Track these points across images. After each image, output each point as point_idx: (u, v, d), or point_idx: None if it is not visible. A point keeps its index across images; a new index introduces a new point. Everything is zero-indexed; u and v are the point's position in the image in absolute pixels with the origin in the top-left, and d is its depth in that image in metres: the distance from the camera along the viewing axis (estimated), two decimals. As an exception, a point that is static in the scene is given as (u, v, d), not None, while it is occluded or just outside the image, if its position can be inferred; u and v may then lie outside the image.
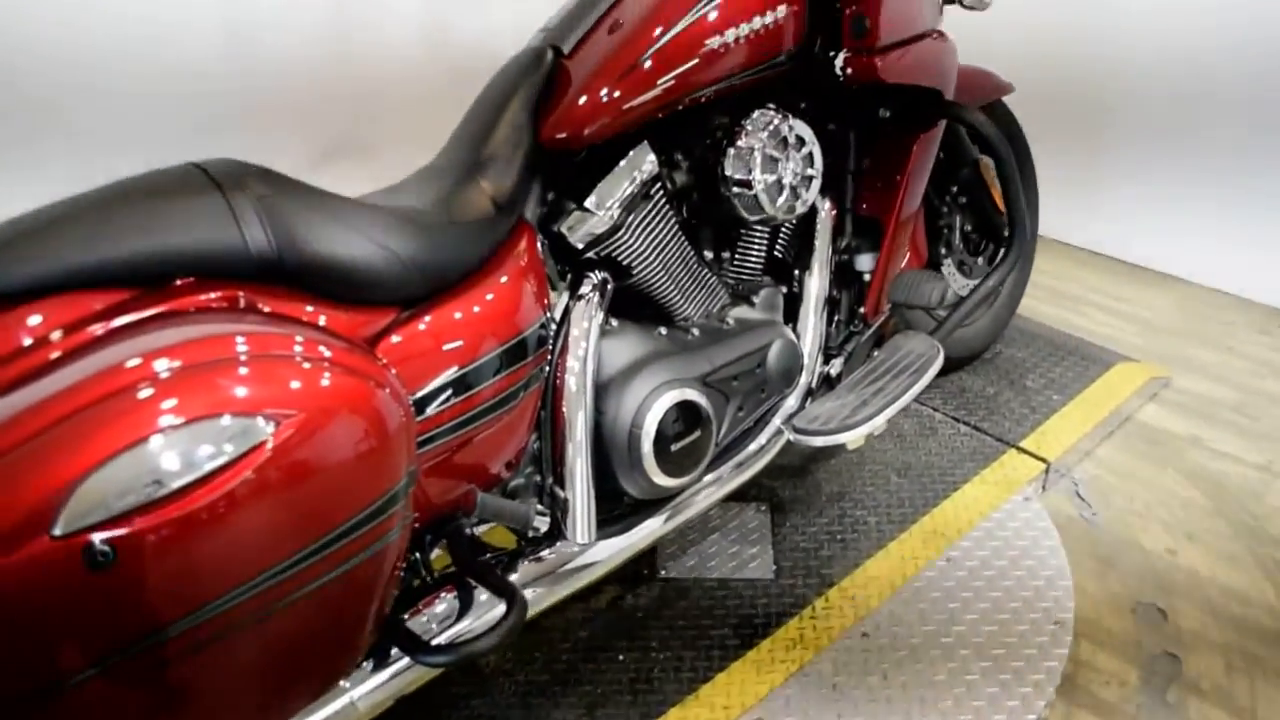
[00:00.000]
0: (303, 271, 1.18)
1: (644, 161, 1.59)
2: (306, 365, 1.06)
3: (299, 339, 1.08)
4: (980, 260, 2.35)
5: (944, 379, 2.47)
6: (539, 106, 1.54)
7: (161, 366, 0.98)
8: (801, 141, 1.65)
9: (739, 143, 1.59)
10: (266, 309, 1.16)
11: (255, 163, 1.22)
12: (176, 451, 0.95)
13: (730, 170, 1.60)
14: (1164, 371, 2.55)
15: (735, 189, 1.60)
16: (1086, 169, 3.13)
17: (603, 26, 1.61)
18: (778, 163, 1.61)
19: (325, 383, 1.06)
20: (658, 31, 1.56)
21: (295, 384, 1.04)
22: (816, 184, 1.69)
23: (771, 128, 1.61)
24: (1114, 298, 2.97)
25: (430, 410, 1.32)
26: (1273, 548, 2.00)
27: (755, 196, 1.59)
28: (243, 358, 1.03)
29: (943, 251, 2.26)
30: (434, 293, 1.34)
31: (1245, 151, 2.82)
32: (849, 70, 1.72)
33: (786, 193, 1.63)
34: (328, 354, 1.09)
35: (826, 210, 1.87)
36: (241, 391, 1.01)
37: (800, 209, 1.68)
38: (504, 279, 1.42)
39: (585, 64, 1.57)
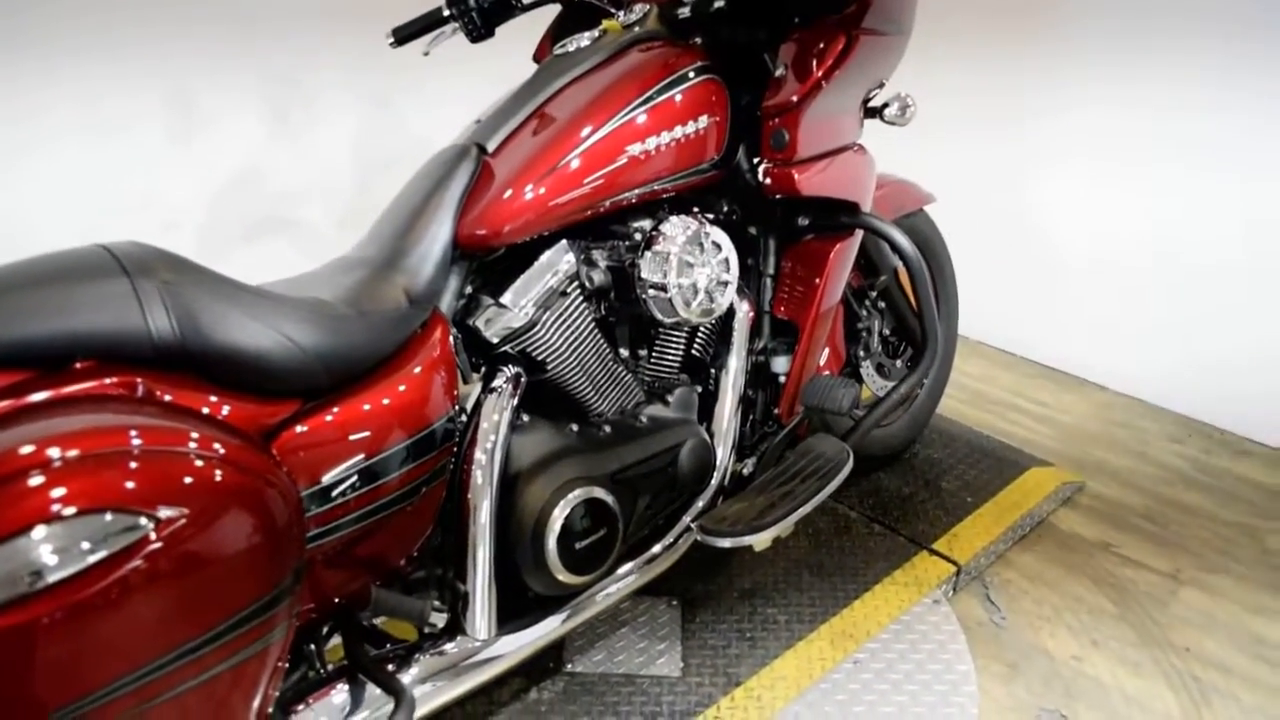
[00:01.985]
0: (204, 359, 1.19)
1: (562, 260, 1.63)
2: (198, 463, 1.06)
3: (193, 434, 1.08)
4: (899, 363, 2.40)
5: (861, 477, 2.50)
6: (460, 203, 1.57)
7: (53, 455, 0.97)
8: (718, 247, 1.69)
9: (656, 246, 1.63)
10: (165, 397, 1.16)
11: (163, 248, 1.23)
12: (59, 544, 0.94)
13: (646, 273, 1.63)
14: (1077, 477, 2.61)
15: (651, 291, 1.64)
16: (1010, 273, 3.22)
17: (528, 126, 1.65)
18: (693, 267, 1.65)
19: (215, 480, 1.06)
20: (583, 134, 1.60)
21: (185, 481, 1.04)
22: (731, 289, 1.73)
23: (689, 233, 1.65)
24: (1032, 401, 3.04)
25: (331, 501, 1.31)
26: (1175, 656, 2.03)
27: (670, 300, 1.63)
28: (135, 451, 1.03)
29: (861, 354, 2.31)
30: (340, 384, 1.35)
31: (1164, 266, 2.92)
32: (768, 180, 1.78)
33: (701, 296, 1.67)
34: (220, 451, 1.09)
35: (744, 312, 1.90)
36: (129, 486, 1.00)
37: (715, 313, 1.72)
38: (414, 371, 1.43)
39: (509, 163, 1.60)
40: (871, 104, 1.99)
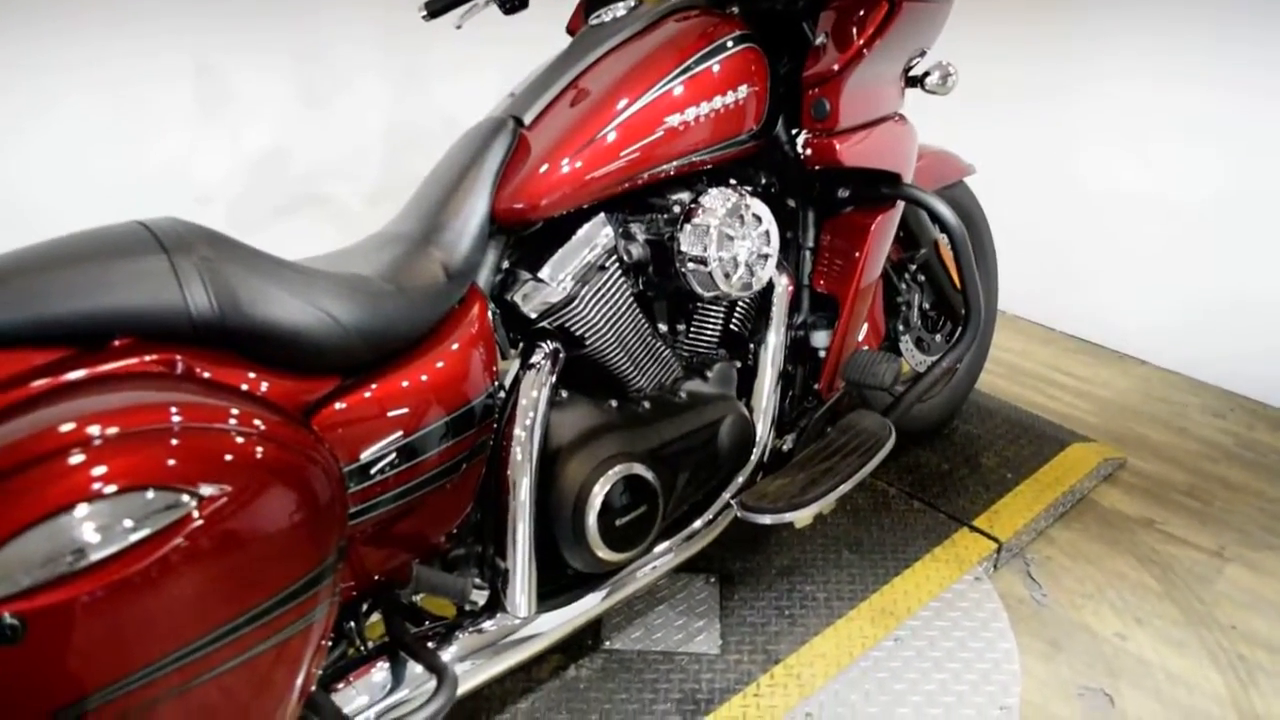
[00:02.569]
0: (244, 336, 1.17)
1: (600, 234, 1.60)
2: (239, 439, 1.05)
3: (234, 411, 1.07)
4: (938, 337, 2.37)
5: (899, 454, 2.47)
6: (497, 177, 1.54)
7: (93, 432, 0.96)
8: (758, 219, 1.66)
9: (695, 219, 1.61)
10: (205, 374, 1.15)
11: (200, 224, 1.22)
12: (101, 522, 0.93)
13: (686, 246, 1.61)
14: (1119, 453, 2.57)
15: (691, 265, 1.61)
16: (1050, 247, 3.17)
17: (564, 99, 1.63)
18: (734, 240, 1.62)
19: (257, 457, 1.05)
20: (620, 106, 1.58)
21: (226, 458, 1.03)
22: (772, 262, 1.70)
23: (729, 205, 1.62)
24: (1071, 375, 3.00)
25: (371, 479, 1.30)
26: (1220, 634, 2.00)
27: (710, 273, 1.60)
28: (175, 428, 1.02)
29: (900, 328, 2.28)
30: (379, 360, 1.33)
31: (1205, 238, 2.86)
32: (809, 151, 1.75)
33: (742, 270, 1.64)
34: (261, 427, 1.08)
35: (784, 286, 1.88)
36: (171, 463, 0.99)
37: (756, 287, 1.69)
38: (452, 348, 1.42)
39: (545, 136, 1.58)
40: (912, 73, 1.94)
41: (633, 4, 1.77)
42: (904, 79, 1.92)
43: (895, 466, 2.43)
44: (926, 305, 2.31)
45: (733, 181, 1.76)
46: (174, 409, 1.03)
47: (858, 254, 1.89)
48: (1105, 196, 3.05)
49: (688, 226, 1.61)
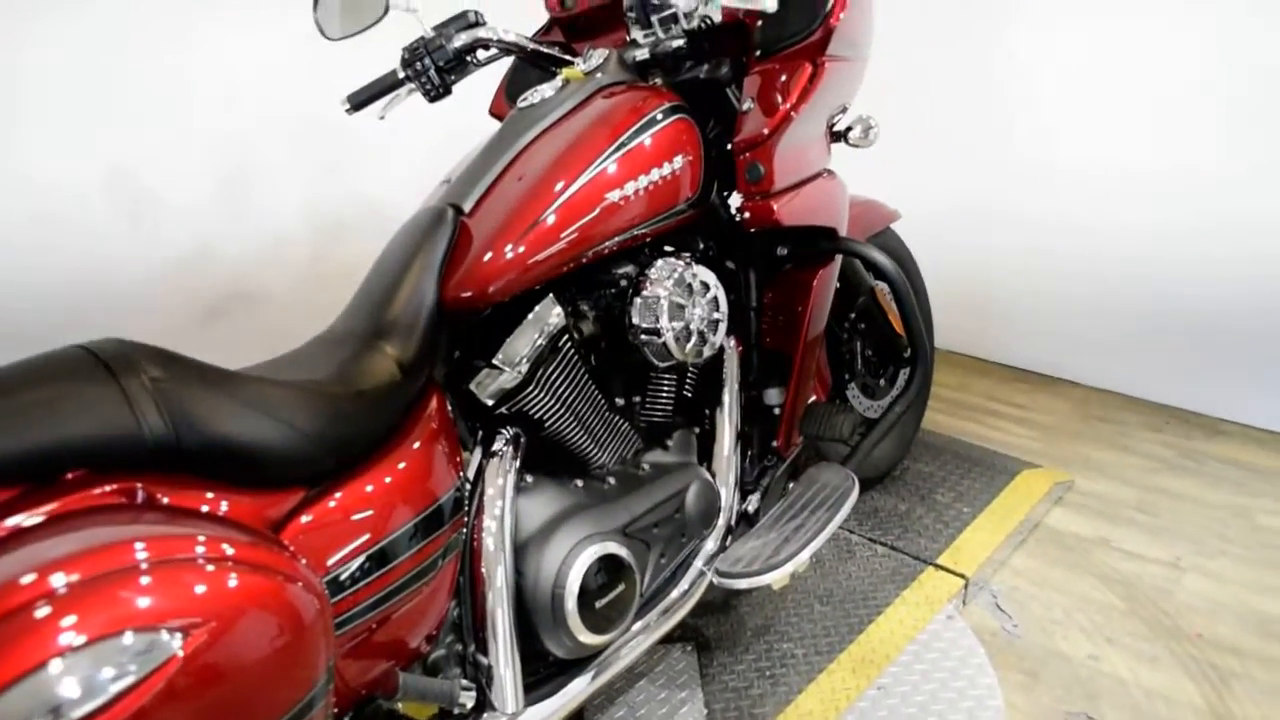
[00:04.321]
0: (203, 457, 1.14)
1: (551, 315, 1.60)
2: (211, 567, 1.01)
3: (201, 538, 1.03)
4: (882, 381, 2.40)
5: (858, 500, 2.49)
6: (442, 266, 1.53)
7: (58, 582, 0.92)
8: (705, 286, 1.68)
9: (644, 292, 1.61)
10: (166, 501, 1.11)
11: (143, 342, 1.18)
12: (77, 677, 0.89)
13: (638, 319, 1.61)
14: (1066, 475, 2.62)
15: (644, 337, 1.61)
16: (976, 282, 3.25)
17: (502, 183, 1.63)
18: (684, 309, 1.63)
19: (232, 584, 1.01)
20: (558, 187, 1.58)
21: (201, 589, 0.99)
22: (723, 326, 1.71)
23: (676, 275, 1.63)
24: (1010, 404, 3.07)
25: (346, 590, 1.27)
26: (1189, 645, 2.04)
27: (664, 344, 1.60)
28: (144, 565, 0.97)
29: (846, 377, 2.31)
30: (342, 467, 1.31)
31: (1125, 258, 2.96)
32: (747, 214, 1.77)
33: (694, 338, 1.65)
34: (232, 552, 1.04)
35: (732, 348, 1.89)
36: (144, 603, 0.95)
37: (709, 351, 1.70)
38: (415, 445, 1.40)
39: (486, 222, 1.58)
40: (836, 128, 1.99)
41: (559, 84, 1.79)
42: (829, 135, 1.97)
43: (855, 513, 2.44)
44: (869, 352, 2.35)
45: (672, 250, 1.78)
46: (140, 545, 0.99)
47: (802, 309, 1.91)
48: (1024, 227, 3.15)
49: (638, 300, 1.62)
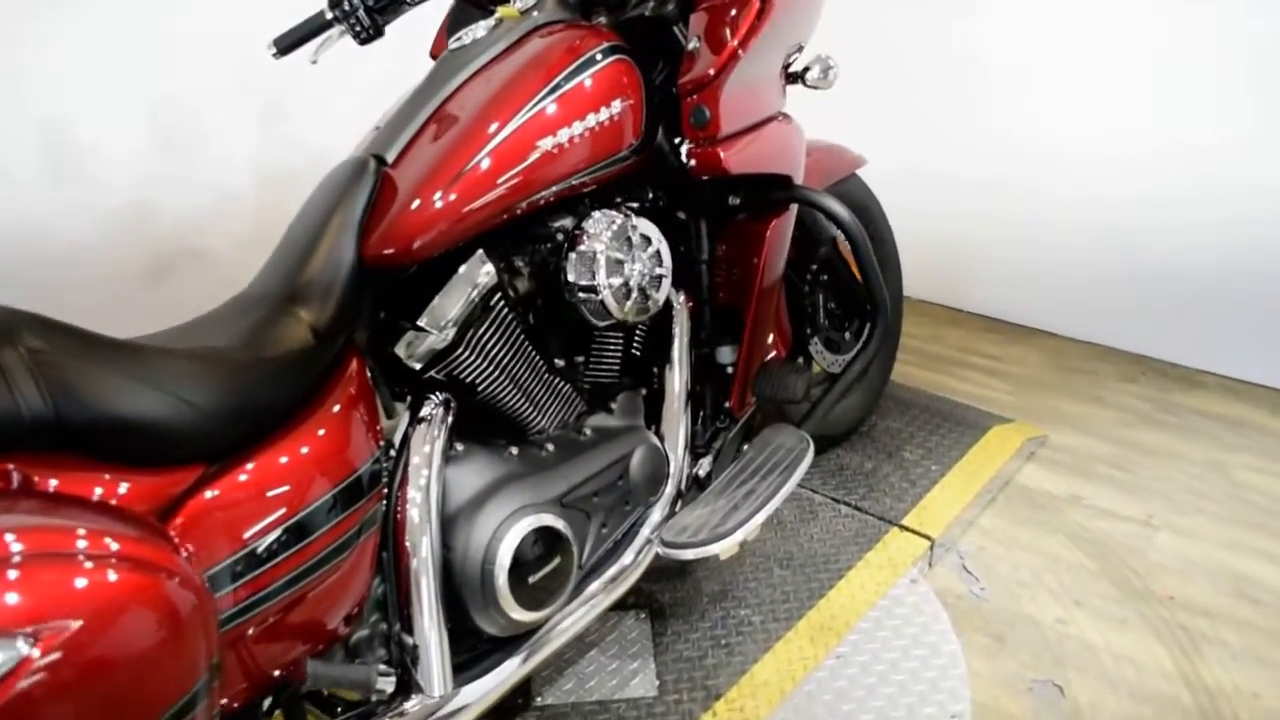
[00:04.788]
0: (87, 435, 1.04)
1: (481, 272, 1.49)
2: (78, 562, 0.92)
3: (69, 528, 0.94)
4: (847, 335, 2.31)
5: (821, 457, 2.41)
6: (362, 222, 1.43)
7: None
8: (647, 240, 1.57)
9: (580, 247, 1.51)
10: (43, 483, 1.01)
11: (21, 308, 1.08)
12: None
13: (574, 276, 1.51)
14: (1039, 430, 2.55)
15: (581, 295, 1.51)
16: (948, 229, 3.15)
17: (429, 130, 1.52)
18: (623, 265, 1.53)
19: (100, 580, 0.92)
20: (489, 133, 1.47)
21: (63, 586, 0.90)
22: (666, 283, 1.61)
23: (614, 228, 1.53)
24: (983, 356, 2.98)
25: (251, 572, 1.18)
26: (1159, 607, 1.97)
27: (602, 301, 1.50)
28: (15, 560, 0.88)
29: (808, 331, 2.21)
30: (247, 440, 1.21)
31: (1101, 204, 2.86)
32: (693, 162, 1.66)
33: (635, 295, 1.55)
34: (114, 547, 0.95)
35: (682, 303, 1.79)
36: (7, 604, 0.86)
37: (652, 309, 1.60)
38: (330, 414, 1.30)
39: (411, 172, 1.47)
40: (792, 69, 1.88)
41: (493, 24, 1.66)
42: (784, 77, 1.85)
43: (818, 472, 2.36)
44: (832, 304, 2.25)
45: (618, 201, 1.67)
46: (10, 536, 0.89)
47: (755, 261, 1.81)
48: (999, 174, 3.04)
49: (573, 255, 1.51)
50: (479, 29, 1.66)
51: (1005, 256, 3.10)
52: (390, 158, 1.49)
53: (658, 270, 1.59)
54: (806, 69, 1.89)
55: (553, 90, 1.52)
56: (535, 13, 1.66)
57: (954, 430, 2.51)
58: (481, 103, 1.51)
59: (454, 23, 2.03)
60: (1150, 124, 2.71)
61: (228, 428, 1.17)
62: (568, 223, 1.57)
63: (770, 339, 1.99)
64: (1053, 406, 2.68)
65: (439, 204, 1.42)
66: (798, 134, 1.85)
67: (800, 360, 2.15)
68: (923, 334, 3.08)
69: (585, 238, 1.52)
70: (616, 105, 1.57)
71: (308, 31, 1.81)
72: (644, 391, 1.79)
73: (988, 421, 2.56)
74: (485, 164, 1.45)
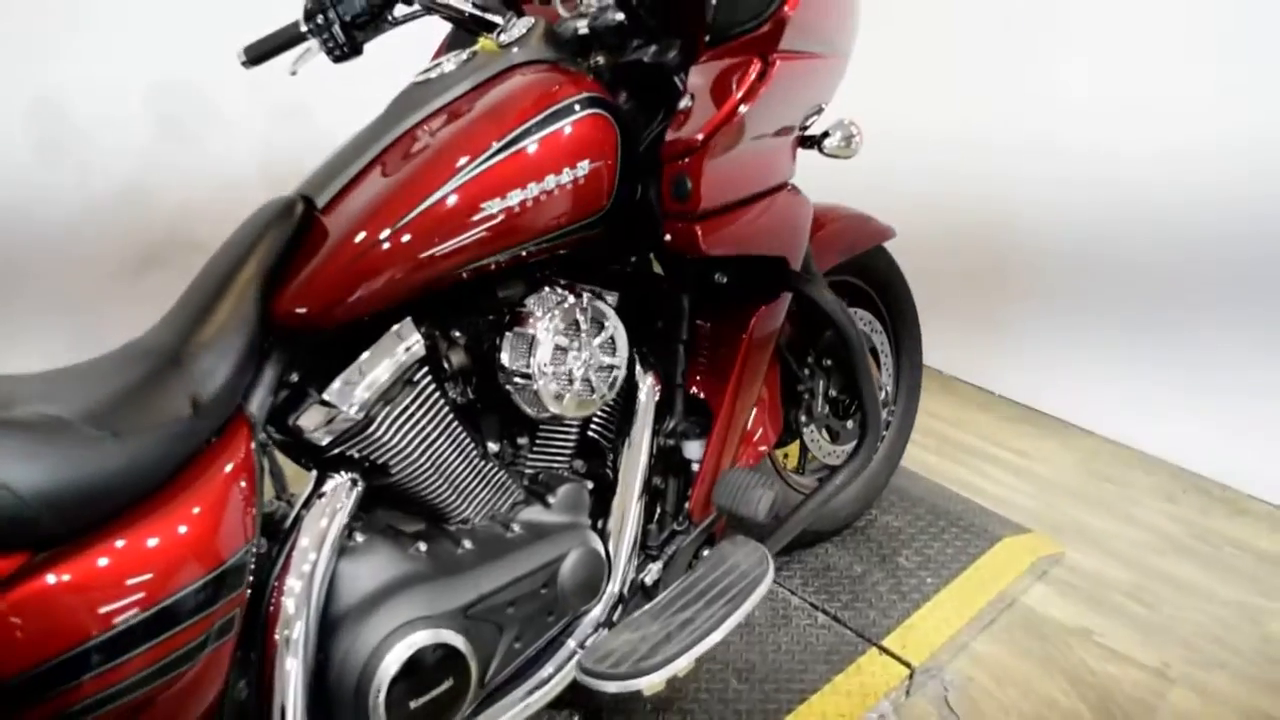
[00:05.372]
0: None
1: (405, 344, 1.31)
2: None
3: None
4: (850, 423, 2.09)
5: (807, 553, 2.20)
6: (277, 273, 1.25)
7: None
8: (600, 325, 1.38)
9: (519, 327, 1.32)
10: None
11: None
12: None
13: (509, 359, 1.33)
14: (1056, 547, 2.30)
15: (515, 381, 1.33)
16: (988, 306, 2.91)
17: (369, 174, 1.34)
18: (567, 352, 1.34)
19: None
20: (433, 184, 1.29)
21: None
22: (619, 375, 1.42)
23: (563, 309, 1.33)
24: (1010, 449, 2.73)
25: (73, 679, 1.01)
26: (1161, 780, 1.74)
27: (536, 392, 1.32)
28: None
29: (803, 419, 2.00)
30: (88, 525, 1.04)
31: (1158, 303, 2.60)
32: (669, 236, 1.46)
33: (578, 387, 1.36)
34: None
35: (650, 385, 1.60)
36: None
37: (597, 403, 1.41)
38: (197, 496, 1.13)
39: (341, 221, 1.29)
40: (808, 132, 1.67)
41: (465, 57, 1.48)
42: (797, 142, 1.64)
43: (801, 569, 2.15)
44: (835, 392, 2.03)
45: (579, 268, 1.48)
46: None
47: (737, 349, 1.61)
48: (1047, 248, 2.79)
49: (510, 335, 1.33)
50: (448, 62, 1.48)
51: (1047, 337, 2.85)
52: (321, 202, 1.32)
53: (608, 360, 1.40)
54: (825, 134, 1.68)
55: (512, 142, 1.34)
56: (516, 49, 1.48)
57: (961, 536, 2.28)
58: (432, 148, 1.33)
59: (452, 45, 1.87)
60: (1214, 218, 2.45)
61: (59, 513, 1.01)
62: (515, 292, 1.39)
63: (758, 426, 1.79)
64: (1076, 519, 2.43)
65: (365, 263, 1.24)
66: (802, 209, 1.64)
67: (772, 473, 1.95)
68: (947, 415, 2.85)
69: (527, 317, 1.33)
70: (584, 167, 1.38)
71: (280, 43, 1.65)
72: (596, 481, 1.60)
73: (1000, 530, 2.32)
74: (424, 221, 1.27)
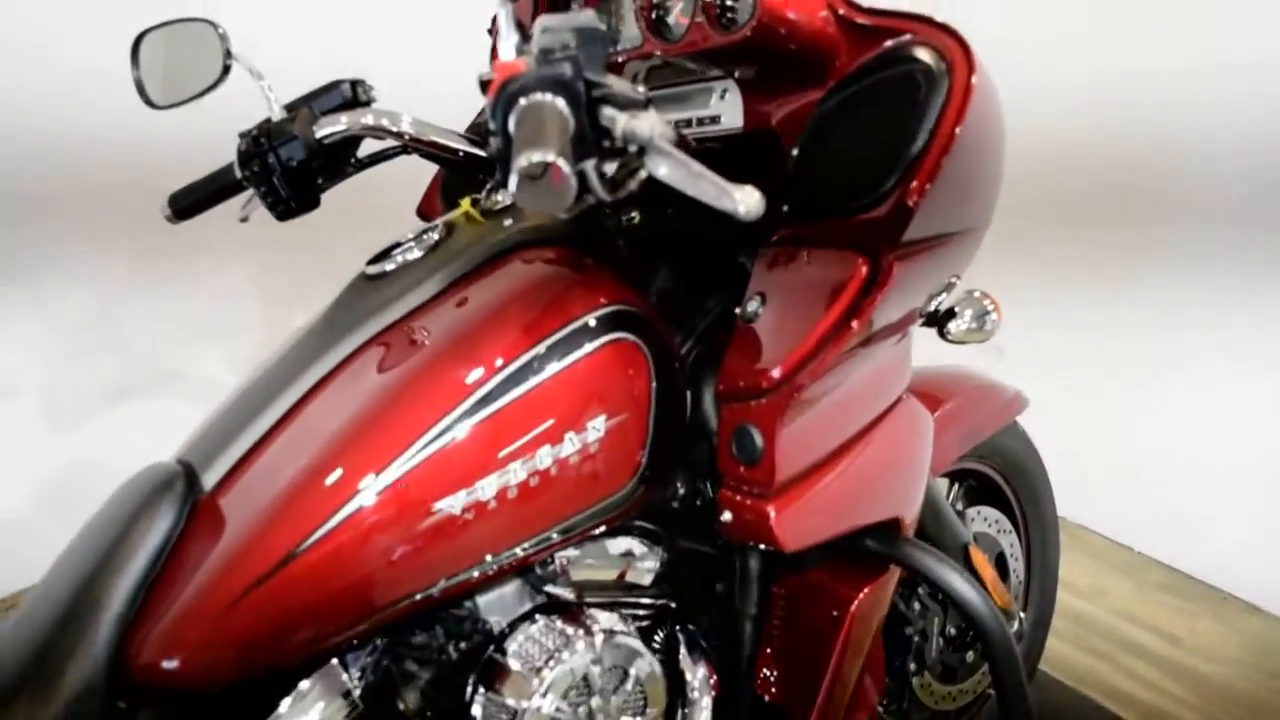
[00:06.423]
0: None
1: (329, 698, 0.87)
2: None
3: None
4: (970, 655, 1.58)
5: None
6: (132, 611, 0.83)
7: None
8: (623, 672, 0.92)
9: (492, 691, 0.87)
10: None
11: None
12: None
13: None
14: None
15: None
16: (1136, 448, 2.39)
17: (278, 440, 0.90)
18: (579, 709, 0.88)
19: None
20: (375, 460, 0.87)
21: None
22: None
23: (562, 658, 0.88)
24: (1156, 631, 2.18)
25: None
26: None
27: None
28: None
29: (912, 667, 1.50)
30: None
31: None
32: (730, 516, 0.98)
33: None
34: None
35: (701, 680, 1.12)
36: None
37: None
38: None
39: (240, 514, 0.86)
40: (931, 308, 1.19)
41: (436, 236, 1.04)
42: (911, 332, 1.16)
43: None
44: (952, 630, 1.53)
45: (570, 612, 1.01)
46: None
47: (827, 639, 1.12)
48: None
49: (481, 699, 0.87)
50: (413, 246, 1.03)
51: (1205, 492, 2.30)
52: (209, 482, 0.89)
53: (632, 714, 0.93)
54: (952, 312, 1.21)
55: (491, 396, 0.88)
56: (509, 220, 1.03)
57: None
58: (375, 397, 0.89)
59: (446, 182, 1.47)
60: None
61: None
62: (494, 621, 0.93)
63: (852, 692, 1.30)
64: (1252, 745, 1.90)
65: (269, 592, 0.82)
66: (920, 433, 1.16)
67: None
68: (1078, 582, 2.31)
69: (501, 675, 0.87)
70: (593, 429, 0.92)
71: (212, 191, 1.24)
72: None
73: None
74: (360, 520, 0.84)
